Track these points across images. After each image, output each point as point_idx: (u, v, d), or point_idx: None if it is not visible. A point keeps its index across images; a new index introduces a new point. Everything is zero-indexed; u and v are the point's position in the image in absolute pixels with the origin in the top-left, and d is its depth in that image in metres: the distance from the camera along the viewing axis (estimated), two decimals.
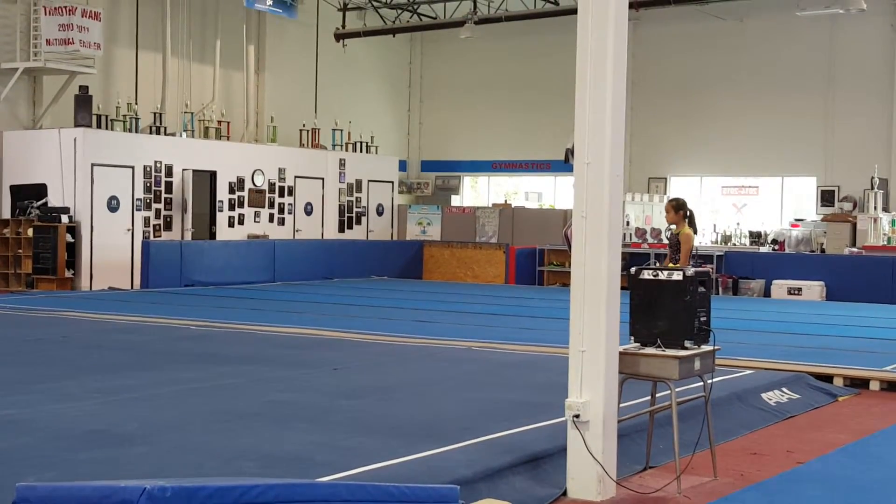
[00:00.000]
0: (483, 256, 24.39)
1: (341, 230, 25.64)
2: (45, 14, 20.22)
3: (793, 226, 24.16)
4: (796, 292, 20.23)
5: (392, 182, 27.19)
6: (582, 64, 6.16)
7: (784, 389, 9.60)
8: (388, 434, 7.11)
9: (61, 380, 9.18)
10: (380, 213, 26.71)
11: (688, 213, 11.18)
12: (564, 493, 6.13)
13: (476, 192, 31.02)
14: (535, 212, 26.54)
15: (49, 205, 19.99)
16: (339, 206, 25.66)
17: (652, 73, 26.47)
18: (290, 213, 24.40)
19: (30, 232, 19.77)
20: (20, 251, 20.07)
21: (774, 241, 23.65)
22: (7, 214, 20.49)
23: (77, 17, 20.15)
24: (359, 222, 26.16)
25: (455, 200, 30.22)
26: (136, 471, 5.83)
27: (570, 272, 6.25)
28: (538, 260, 23.51)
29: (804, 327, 14.69)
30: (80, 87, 20.71)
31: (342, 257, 23.85)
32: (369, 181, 26.36)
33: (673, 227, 11.53)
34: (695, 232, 11.27)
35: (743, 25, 25.65)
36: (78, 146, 19.91)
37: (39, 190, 20.21)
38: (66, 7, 20.14)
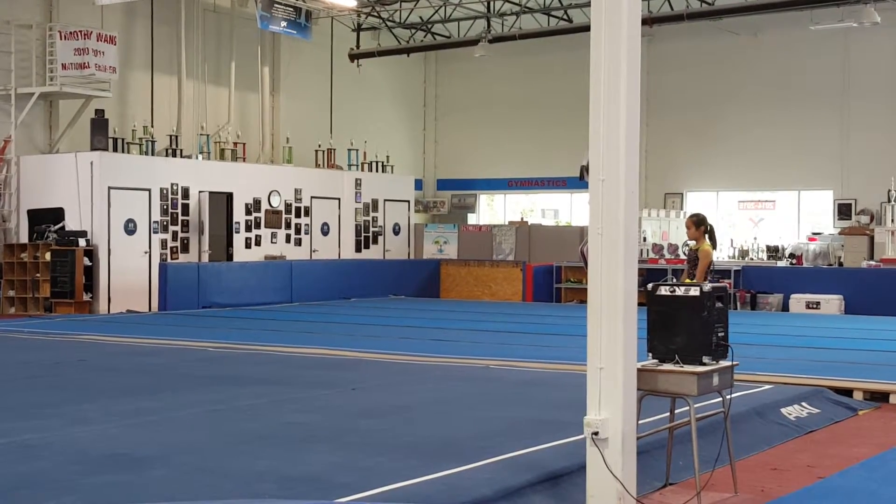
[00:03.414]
0: (500, 274, 24.37)
1: (358, 250, 25.66)
2: (61, 39, 20.38)
3: (810, 239, 24.05)
4: (815, 306, 20.13)
5: (408, 201, 27.22)
6: (595, 80, 6.16)
7: (804, 404, 9.55)
8: (408, 454, 7.09)
9: (79, 403, 9.20)
10: (396, 232, 26.74)
11: (708, 229, 11.13)
12: None
13: (492, 210, 31.02)
14: (551, 229, 26.51)
15: (66, 228, 20.09)
16: (356, 225, 25.69)
17: (667, 89, 26.45)
18: (306, 233, 24.45)
19: (47, 256, 19.87)
20: (38, 275, 20.16)
21: (792, 256, 23.54)
22: (25, 239, 20.60)
23: (92, 42, 20.29)
24: (375, 242, 26.18)
25: (471, 219, 30.23)
26: (155, 494, 5.84)
27: (587, 289, 6.24)
28: (555, 277, 23.48)
29: (823, 341, 14.61)
30: (96, 110, 20.83)
31: (359, 277, 23.87)
32: (385, 200, 26.41)
33: (692, 242, 11.49)
34: (714, 248, 11.23)
35: (757, 40, 25.62)
36: (94, 170, 20.02)
37: (56, 214, 20.32)
38: (81, 31, 20.29)
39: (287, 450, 7.24)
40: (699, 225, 11.04)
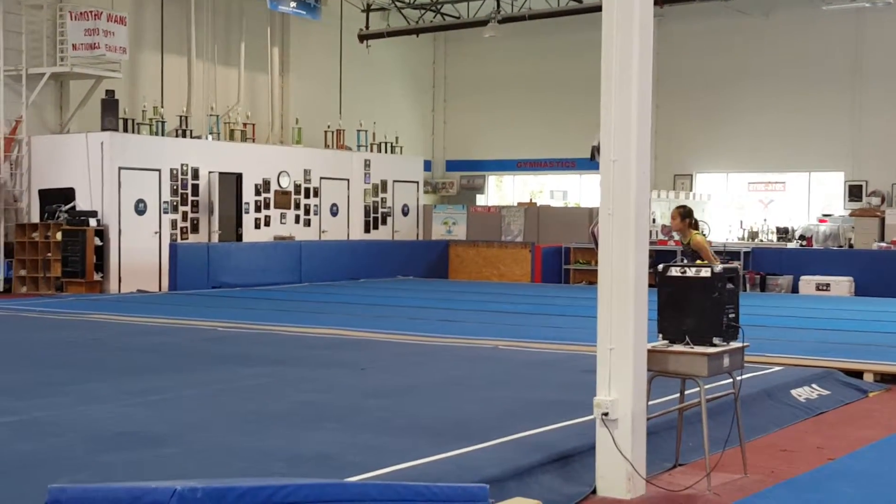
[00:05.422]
0: (509, 255, 24.36)
1: (367, 231, 25.67)
2: (71, 19, 20.35)
3: (820, 221, 23.98)
4: (824, 288, 20.09)
5: (417, 182, 27.20)
6: (607, 61, 6.14)
7: (814, 385, 9.54)
8: (417, 433, 7.11)
9: (91, 382, 9.25)
10: (405, 213, 26.73)
11: (693, 222, 10.91)
12: (594, 492, 6.11)
13: (501, 191, 30.98)
14: (560, 210, 26.47)
15: (77, 208, 20.12)
16: (365, 206, 25.69)
17: (676, 70, 26.33)
18: (315, 214, 24.45)
19: (58, 236, 19.91)
20: (49, 255, 20.21)
21: (802, 237, 23.48)
22: (36, 218, 20.64)
23: (103, 22, 20.27)
24: (384, 223, 26.18)
25: (480, 200, 30.20)
26: (166, 472, 5.87)
27: (596, 270, 6.24)
28: (564, 258, 23.46)
29: (833, 323, 14.60)
30: (107, 91, 20.83)
31: (368, 258, 23.88)
32: (394, 181, 26.39)
33: (675, 234, 11.31)
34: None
35: (768, 20, 25.48)
36: (105, 150, 20.03)
37: (67, 194, 20.35)
38: (91, 12, 20.27)
39: (297, 429, 7.27)
40: (685, 217, 10.81)
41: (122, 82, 21.61)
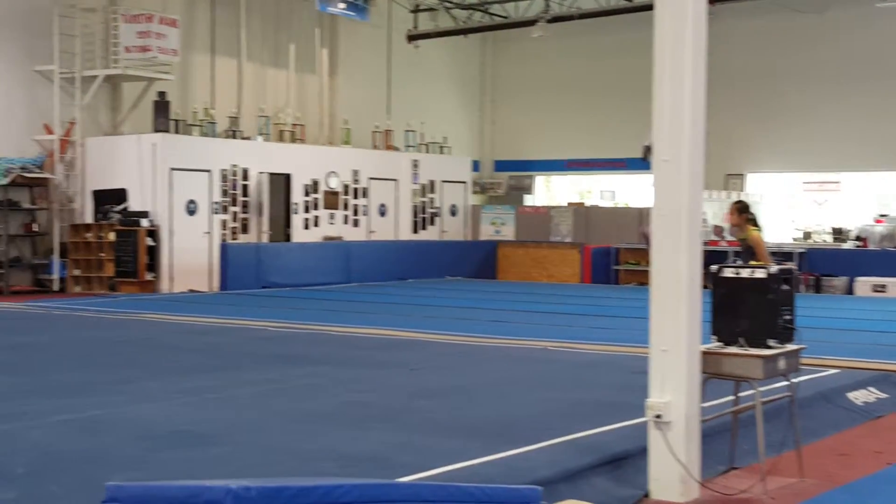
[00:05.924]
0: (558, 256, 24.25)
1: (415, 231, 25.69)
2: (124, 22, 20.58)
3: (877, 221, 23.60)
4: (881, 289, 19.78)
5: (465, 182, 27.18)
6: (660, 60, 6.08)
7: (871, 389, 9.39)
8: (467, 434, 7.08)
9: (143, 381, 9.33)
10: (453, 213, 26.72)
11: (751, 217, 10.83)
12: (647, 495, 6.05)
13: (550, 191, 30.86)
14: (609, 210, 26.32)
15: (129, 209, 20.34)
16: (413, 207, 25.71)
17: (729, 68, 26.00)
18: (364, 214, 24.51)
19: (111, 236, 20.14)
20: (102, 255, 20.44)
21: (858, 238, 23.14)
22: (90, 219, 20.90)
23: (154, 25, 20.48)
24: (432, 223, 26.18)
25: (528, 200, 30.09)
26: (219, 471, 5.89)
27: (646, 270, 6.18)
28: (613, 259, 23.32)
29: (890, 325, 14.37)
30: (159, 93, 21.05)
31: (416, 258, 23.90)
32: (443, 182, 26.38)
33: (727, 233, 11.23)
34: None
35: (822, 18, 25.14)
36: (157, 151, 20.22)
37: (120, 195, 20.57)
38: (143, 15, 20.49)
39: (347, 429, 7.27)
40: (742, 212, 10.73)
41: (174, 84, 21.81)
